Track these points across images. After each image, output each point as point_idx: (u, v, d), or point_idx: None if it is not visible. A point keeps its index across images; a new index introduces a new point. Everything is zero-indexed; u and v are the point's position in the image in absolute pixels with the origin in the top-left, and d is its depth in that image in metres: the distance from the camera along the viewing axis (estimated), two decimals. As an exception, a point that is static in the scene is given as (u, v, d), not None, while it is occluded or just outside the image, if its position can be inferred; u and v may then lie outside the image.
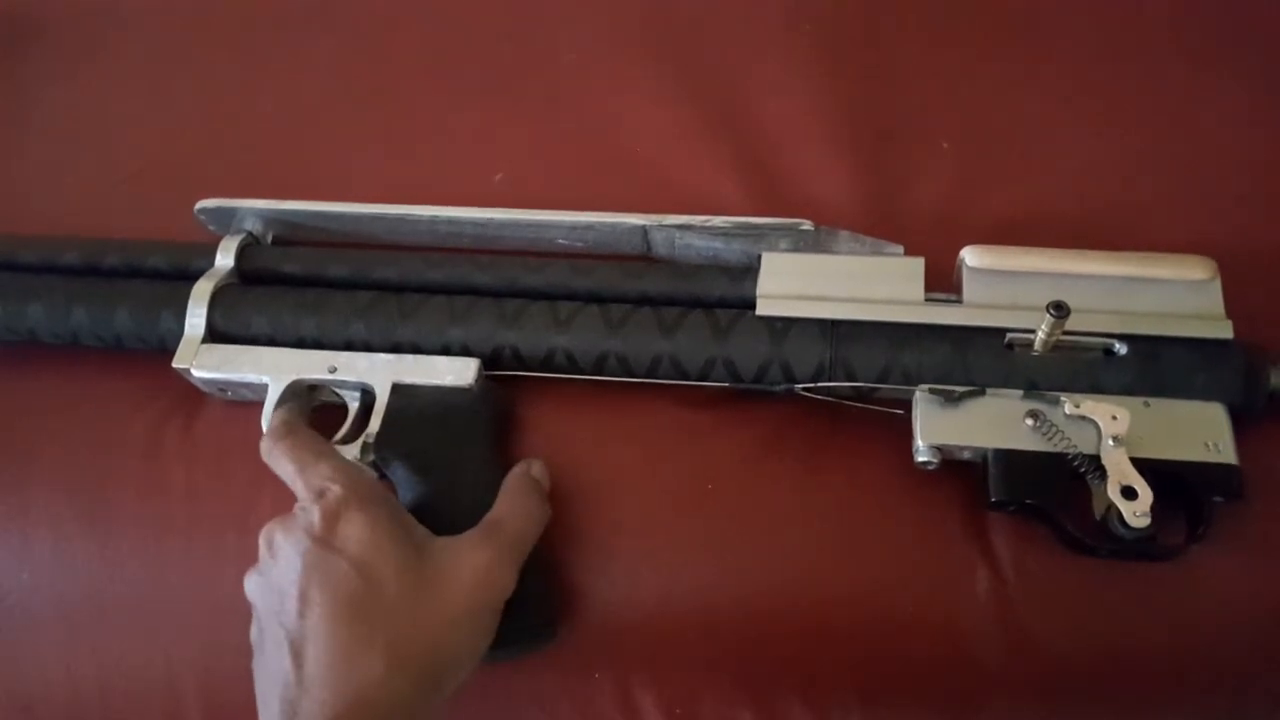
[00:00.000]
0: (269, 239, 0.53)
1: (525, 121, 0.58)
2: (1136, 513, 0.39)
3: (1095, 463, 0.40)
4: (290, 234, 0.53)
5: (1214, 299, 0.43)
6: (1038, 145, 0.53)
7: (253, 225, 0.52)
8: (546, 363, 0.46)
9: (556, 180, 0.55)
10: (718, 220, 0.48)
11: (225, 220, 0.53)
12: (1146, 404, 0.41)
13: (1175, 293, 0.43)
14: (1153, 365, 0.42)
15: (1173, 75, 0.55)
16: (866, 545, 0.44)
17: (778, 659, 0.43)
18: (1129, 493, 0.39)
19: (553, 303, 0.46)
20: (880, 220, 0.50)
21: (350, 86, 0.60)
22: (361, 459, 0.44)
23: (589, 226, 0.49)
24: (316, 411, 0.48)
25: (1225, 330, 0.42)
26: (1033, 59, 0.56)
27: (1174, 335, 0.42)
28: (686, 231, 0.48)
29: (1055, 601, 0.42)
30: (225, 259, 0.50)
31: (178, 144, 0.59)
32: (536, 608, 0.42)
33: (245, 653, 0.38)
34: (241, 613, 0.39)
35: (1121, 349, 0.42)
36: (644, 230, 0.49)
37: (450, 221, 0.50)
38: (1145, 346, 0.42)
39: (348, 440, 0.45)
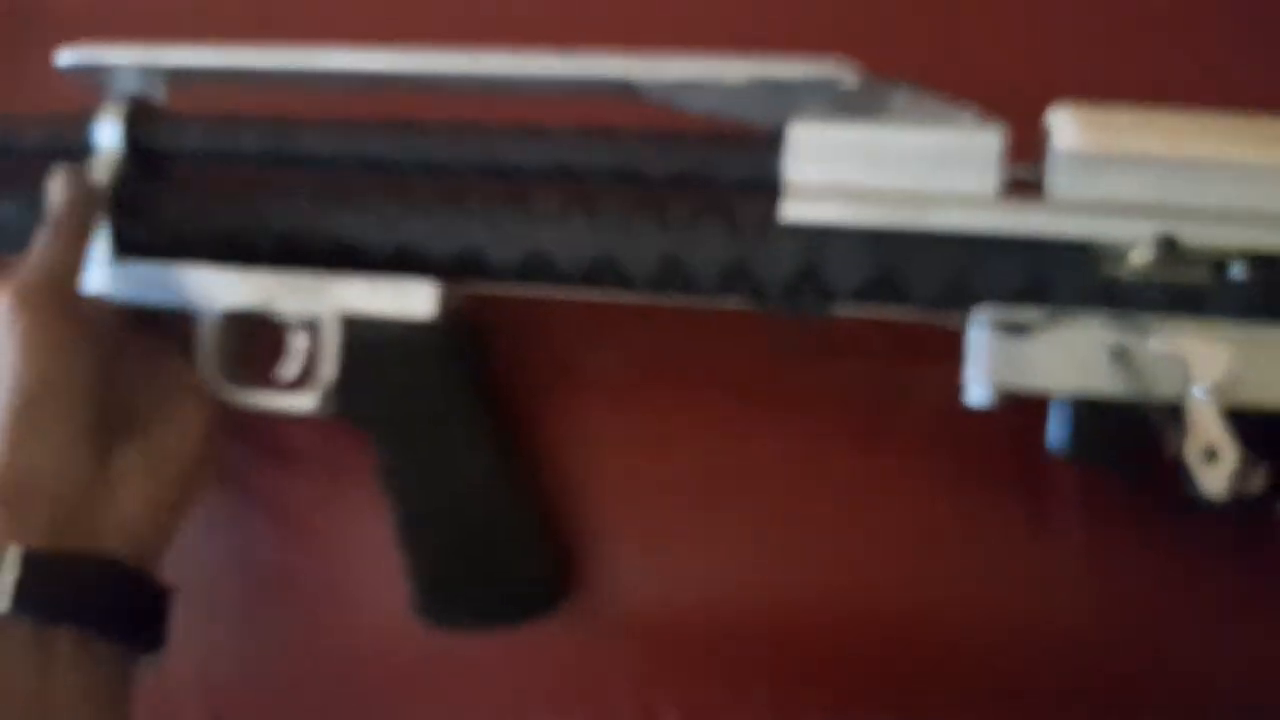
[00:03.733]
0: (161, 95, 0.42)
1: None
2: (1216, 479, 0.33)
3: (1180, 412, 0.34)
4: (184, 90, 0.41)
5: None
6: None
7: (136, 86, 0.41)
8: (524, 271, 0.38)
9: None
10: (731, 72, 0.36)
11: (97, 80, 0.41)
12: (1260, 340, 0.33)
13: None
14: (1278, 294, 0.33)
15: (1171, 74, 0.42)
16: (904, 554, 0.41)
17: (807, 675, 0.41)
18: (1210, 455, 0.34)
19: (528, 194, 0.38)
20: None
21: None
22: (321, 410, 0.39)
23: (553, 78, 0.37)
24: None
25: None
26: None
27: None
28: (687, 90, 0.37)
29: (1104, 608, 0.40)
30: (111, 137, 0.40)
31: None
32: (541, 575, 0.40)
33: (244, 652, 0.37)
34: (238, 609, 0.37)
35: (1238, 272, 0.33)
36: (628, 87, 0.37)
37: (378, 76, 0.39)
38: (1272, 271, 0.33)
39: (298, 385, 0.40)
